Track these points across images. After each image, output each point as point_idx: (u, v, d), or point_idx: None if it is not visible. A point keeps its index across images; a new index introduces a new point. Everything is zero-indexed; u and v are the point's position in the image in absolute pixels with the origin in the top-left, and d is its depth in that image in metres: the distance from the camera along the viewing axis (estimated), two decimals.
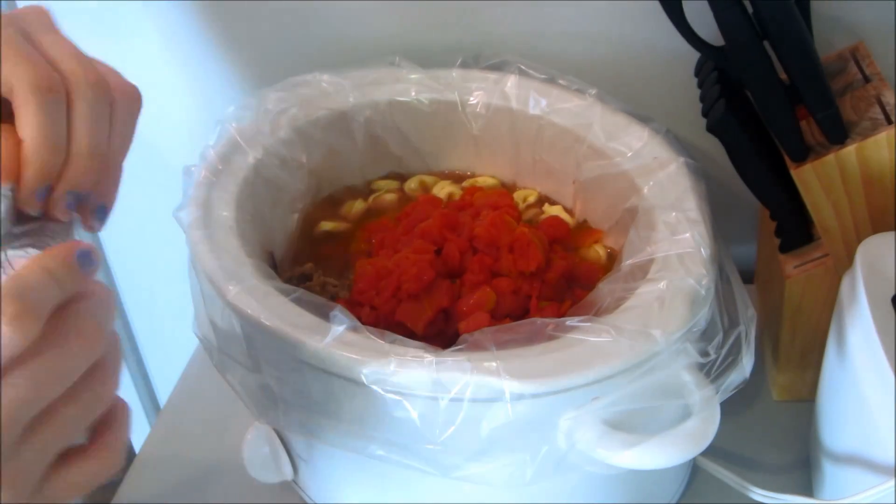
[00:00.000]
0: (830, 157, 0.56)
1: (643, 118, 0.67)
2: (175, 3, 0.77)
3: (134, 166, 0.43)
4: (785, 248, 0.65)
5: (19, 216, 0.41)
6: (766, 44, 0.56)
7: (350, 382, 0.49)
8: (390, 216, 0.69)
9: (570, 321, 0.51)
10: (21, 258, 0.39)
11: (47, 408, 0.34)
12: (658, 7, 0.60)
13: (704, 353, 0.51)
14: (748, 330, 0.53)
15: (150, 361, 1.05)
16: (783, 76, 0.57)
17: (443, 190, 0.72)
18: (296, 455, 0.58)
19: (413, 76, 0.72)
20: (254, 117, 0.67)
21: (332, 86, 0.71)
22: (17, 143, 0.40)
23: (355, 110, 0.71)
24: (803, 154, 0.58)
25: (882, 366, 0.47)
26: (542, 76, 0.71)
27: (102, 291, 0.37)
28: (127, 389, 1.06)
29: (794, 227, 0.64)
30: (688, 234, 0.56)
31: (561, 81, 0.71)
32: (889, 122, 0.55)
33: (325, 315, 0.51)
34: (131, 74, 0.45)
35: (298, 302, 0.53)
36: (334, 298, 0.60)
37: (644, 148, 0.64)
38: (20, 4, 0.82)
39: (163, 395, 1.08)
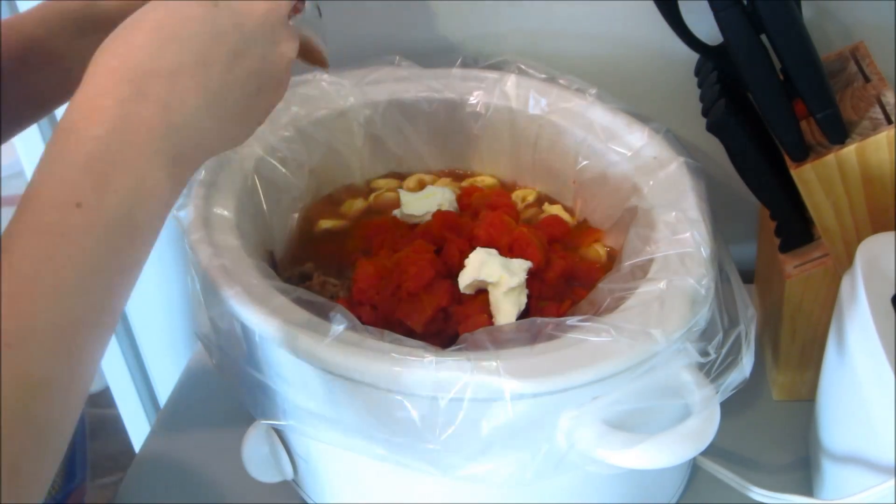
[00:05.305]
0: (830, 157, 0.56)
1: (643, 118, 0.67)
2: None
3: None
4: (785, 248, 0.65)
5: None
6: (766, 43, 0.56)
7: (350, 382, 0.49)
8: (389, 215, 0.69)
9: (570, 321, 0.51)
10: None
11: None
12: None
13: (704, 353, 0.51)
14: (748, 330, 0.53)
15: (150, 361, 1.05)
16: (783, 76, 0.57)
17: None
18: (296, 455, 0.58)
19: (413, 76, 0.72)
20: None
21: (331, 85, 0.71)
22: None
23: (355, 110, 0.71)
24: (803, 154, 0.57)
25: (882, 366, 0.47)
26: (542, 76, 0.71)
27: None
28: (127, 389, 1.06)
29: (794, 227, 0.64)
30: (688, 234, 0.56)
31: (561, 81, 0.70)
32: (889, 121, 0.55)
33: (325, 315, 0.51)
34: None
35: (298, 301, 0.53)
36: (334, 298, 0.60)
37: (644, 148, 0.64)
38: (20, 6, 0.82)
39: (163, 395, 1.08)
